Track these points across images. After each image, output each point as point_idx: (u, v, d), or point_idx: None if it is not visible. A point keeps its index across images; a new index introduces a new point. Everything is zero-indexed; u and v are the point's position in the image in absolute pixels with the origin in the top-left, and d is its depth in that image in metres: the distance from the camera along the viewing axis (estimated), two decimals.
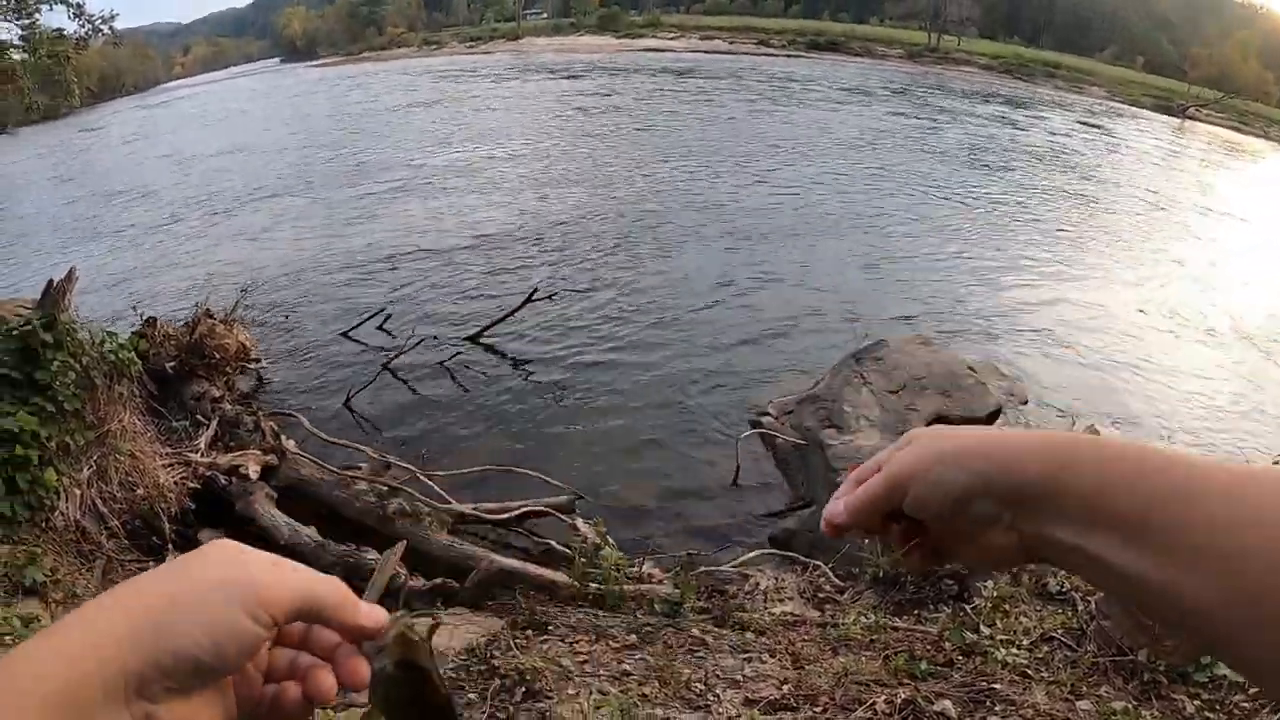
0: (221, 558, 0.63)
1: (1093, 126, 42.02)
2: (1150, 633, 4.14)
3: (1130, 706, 3.79)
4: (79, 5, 19.40)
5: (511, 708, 3.82)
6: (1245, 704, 3.83)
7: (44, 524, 5.99)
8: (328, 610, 0.66)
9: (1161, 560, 0.58)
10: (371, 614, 0.68)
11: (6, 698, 0.53)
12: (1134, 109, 58.37)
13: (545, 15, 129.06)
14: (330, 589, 0.66)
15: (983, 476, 0.69)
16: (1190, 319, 14.92)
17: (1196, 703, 3.87)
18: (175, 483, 7.15)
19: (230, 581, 0.62)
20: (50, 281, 7.29)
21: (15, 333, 6.49)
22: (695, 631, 4.87)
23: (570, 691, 3.93)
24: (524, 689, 3.92)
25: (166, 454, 7.43)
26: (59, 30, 18.85)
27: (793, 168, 24.89)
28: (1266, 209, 26.14)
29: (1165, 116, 56.47)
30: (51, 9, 19.08)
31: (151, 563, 6.33)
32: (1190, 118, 57.93)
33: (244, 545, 0.65)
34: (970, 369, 10.03)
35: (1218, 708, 3.83)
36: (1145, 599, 0.61)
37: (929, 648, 4.59)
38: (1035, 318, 14.08)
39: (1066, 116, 45.08)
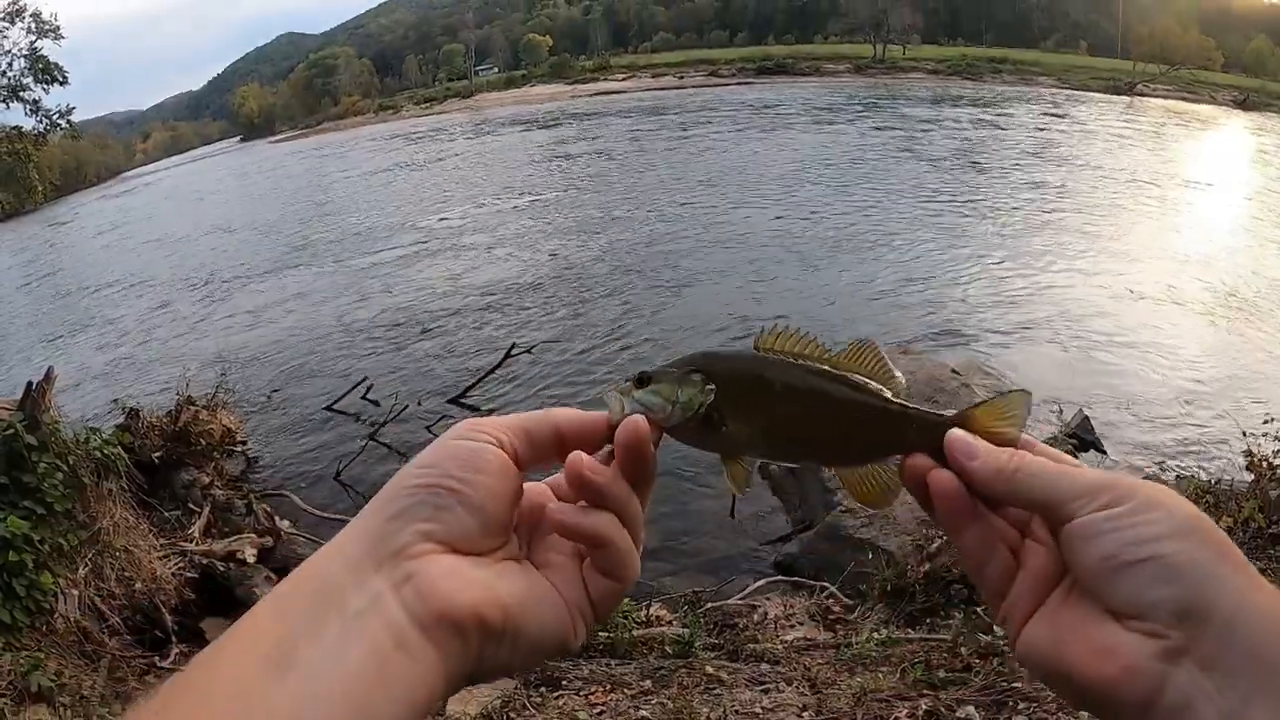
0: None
1: (1046, 115, 42.63)
2: None
3: None
4: (36, 102, 19.56)
5: None
6: None
7: (44, 628, 5.93)
8: (548, 421, 0.64)
9: None
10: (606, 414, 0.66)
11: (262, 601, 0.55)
12: (1084, 93, 59.17)
13: (496, 70, 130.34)
14: (576, 416, 0.65)
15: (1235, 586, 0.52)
16: (1176, 291, 15.06)
17: None
18: (173, 574, 7.09)
19: (466, 428, 0.62)
20: (30, 383, 7.26)
21: None
22: (709, 669, 4.84)
23: None
24: None
25: (161, 545, 7.37)
26: (17, 128, 18.97)
27: (773, 195, 25.11)
28: (1227, 171, 26.72)
29: (1115, 96, 57.26)
30: (8, 107, 19.22)
31: (156, 658, 6.26)
32: (1139, 94, 58.82)
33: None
34: (954, 371, 10.08)
35: None
36: None
37: (945, 655, 4.58)
38: (1021, 311, 14.18)
39: (1019, 110, 45.64)
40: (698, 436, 0.69)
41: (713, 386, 0.68)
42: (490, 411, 11.73)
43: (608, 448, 0.66)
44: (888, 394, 0.69)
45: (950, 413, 0.67)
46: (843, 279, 16.70)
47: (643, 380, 0.68)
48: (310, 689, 0.49)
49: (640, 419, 0.64)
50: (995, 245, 18.10)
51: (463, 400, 12.04)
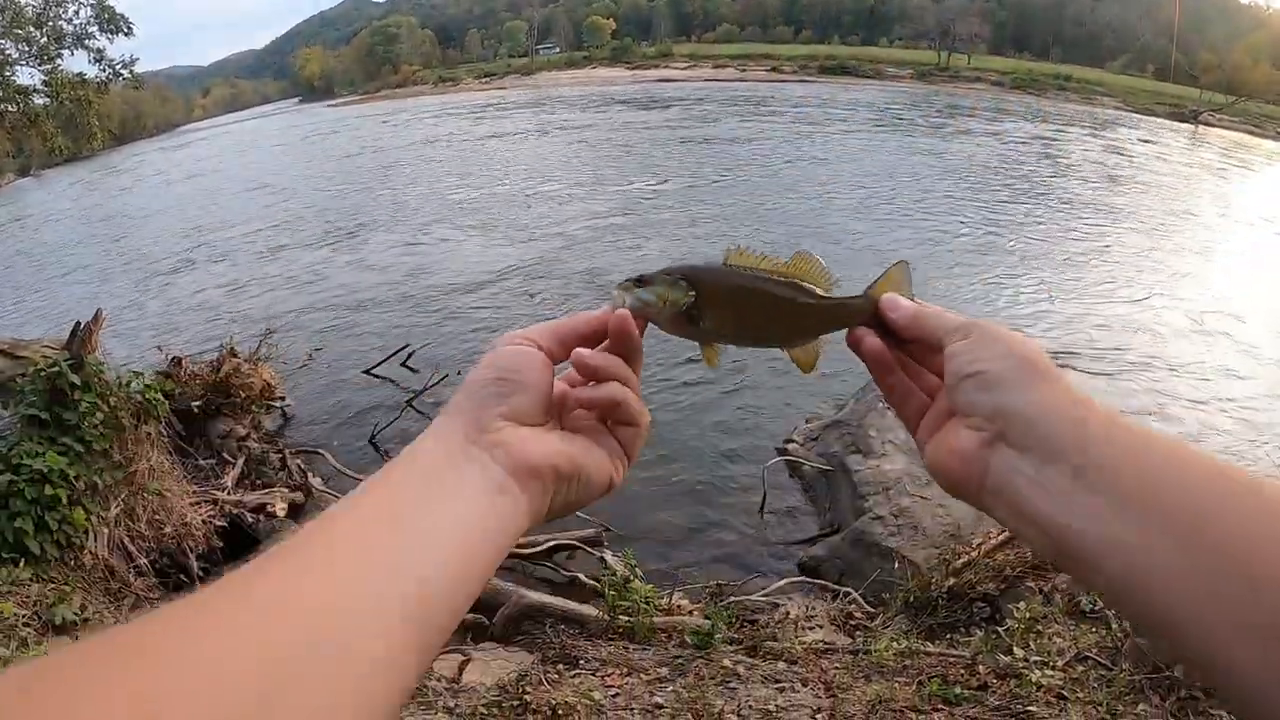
0: None
1: (1106, 137, 41.82)
2: None
3: None
4: (100, 50, 19.80)
5: None
6: None
7: (73, 563, 6.04)
8: (570, 324, 0.81)
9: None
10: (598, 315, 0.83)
11: (396, 476, 0.67)
12: (1148, 117, 58.16)
13: (558, 49, 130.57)
14: (564, 318, 0.82)
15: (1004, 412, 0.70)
16: (1222, 322, 14.72)
17: (1234, 718, 3.79)
18: (203, 521, 7.20)
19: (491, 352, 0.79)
20: (78, 323, 7.37)
21: (43, 374, 6.58)
22: (727, 662, 4.82)
23: None
24: None
25: (193, 492, 7.48)
26: (80, 75, 19.23)
27: (818, 195, 24.83)
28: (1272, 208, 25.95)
29: (1178, 123, 56.16)
30: (73, 54, 19.47)
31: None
32: (1203, 123, 57.55)
33: None
34: None
35: None
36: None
37: (962, 672, 4.53)
38: (1063, 331, 13.93)
39: (1079, 129, 44.84)
40: (681, 328, 0.86)
41: (694, 291, 0.85)
42: None
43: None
44: (821, 291, 0.87)
45: (858, 294, 0.88)
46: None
47: (641, 281, 0.85)
48: (424, 537, 0.62)
49: (624, 313, 0.81)
50: (1044, 265, 17.76)
51: None
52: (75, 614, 5.36)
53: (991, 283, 16.39)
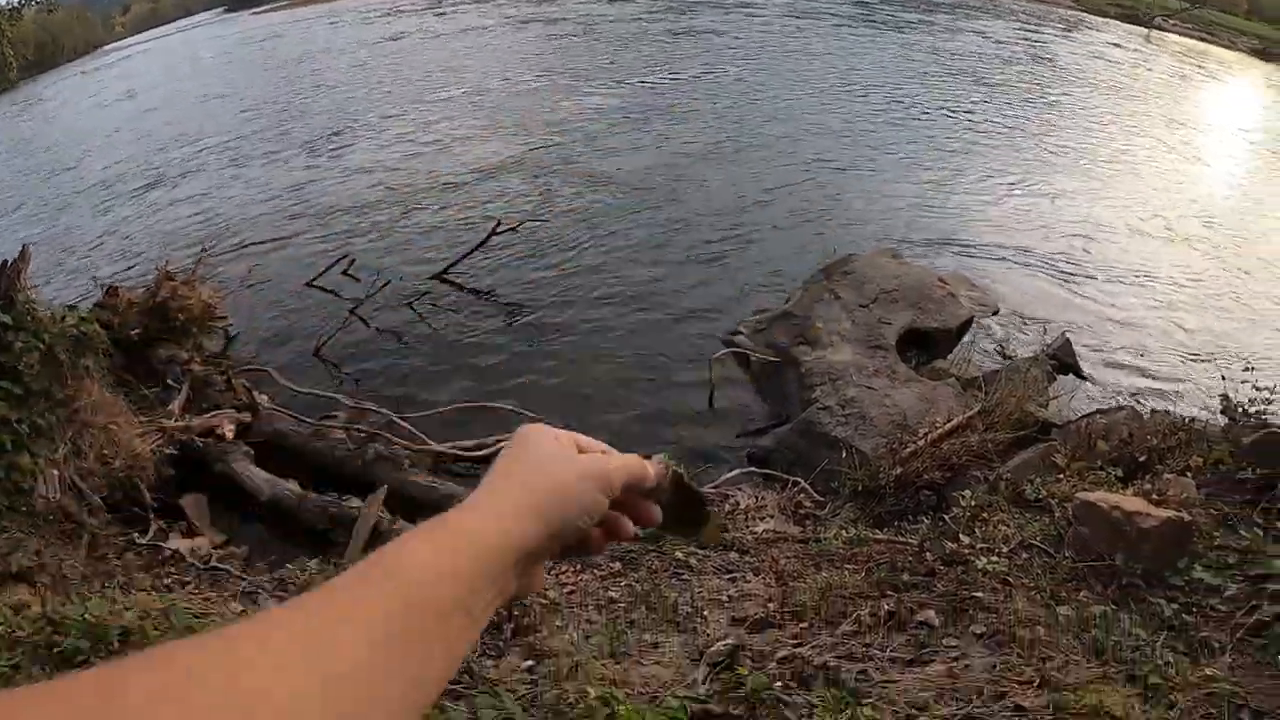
0: (557, 451, 0.78)
1: (1079, 40, 41.31)
2: (1127, 539, 4.20)
3: (1109, 610, 3.83)
4: None
5: (502, 644, 3.84)
6: (1221, 606, 3.87)
7: (24, 508, 5.93)
8: (639, 482, 0.84)
9: None
10: (654, 472, 0.88)
11: (448, 539, 0.65)
12: (1100, 19, 57.63)
13: None
14: (641, 467, 0.85)
15: None
16: (1180, 231, 14.93)
17: (1174, 606, 3.89)
18: (152, 450, 7.09)
19: (591, 475, 0.78)
20: (4, 262, 7.10)
21: None
22: (679, 554, 4.91)
23: (559, 623, 3.97)
24: (512, 625, 3.95)
25: (140, 422, 7.34)
26: None
27: (831, 95, 23.93)
28: (1241, 117, 26.07)
29: (1132, 26, 55.71)
30: None
31: (135, 534, 6.30)
32: (1157, 28, 57.13)
33: (558, 432, 0.81)
34: (941, 281, 10.07)
35: (1194, 610, 3.87)
36: None
37: (910, 559, 4.64)
38: (1019, 233, 14.02)
39: (1051, 29, 44.19)
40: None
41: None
42: (474, 290, 11.87)
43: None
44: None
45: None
46: (844, 178, 16.36)
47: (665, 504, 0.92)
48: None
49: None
50: (1004, 166, 17.64)
51: (445, 277, 11.99)
52: (32, 560, 5.29)
53: (1007, 188, 16.48)
